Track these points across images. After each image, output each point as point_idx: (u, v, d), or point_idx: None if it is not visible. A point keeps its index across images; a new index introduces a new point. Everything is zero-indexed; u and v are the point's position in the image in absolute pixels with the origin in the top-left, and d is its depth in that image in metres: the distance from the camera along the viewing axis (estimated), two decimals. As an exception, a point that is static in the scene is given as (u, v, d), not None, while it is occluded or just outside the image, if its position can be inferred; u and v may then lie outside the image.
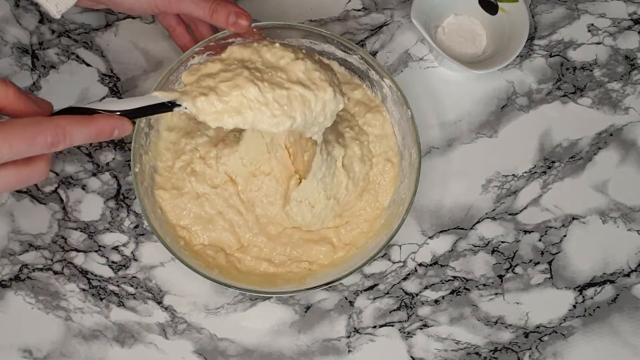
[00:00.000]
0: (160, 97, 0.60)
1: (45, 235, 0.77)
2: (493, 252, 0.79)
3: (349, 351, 0.75)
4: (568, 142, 0.83)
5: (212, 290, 0.76)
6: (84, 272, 0.76)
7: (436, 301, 0.77)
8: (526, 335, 0.76)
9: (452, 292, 0.77)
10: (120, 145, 0.81)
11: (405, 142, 0.75)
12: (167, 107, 0.60)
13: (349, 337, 0.76)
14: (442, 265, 0.78)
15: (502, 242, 0.79)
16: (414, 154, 0.73)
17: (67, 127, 0.54)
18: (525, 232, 0.79)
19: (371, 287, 0.77)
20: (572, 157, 0.82)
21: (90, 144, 0.80)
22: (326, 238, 0.75)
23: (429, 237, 0.79)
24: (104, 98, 0.82)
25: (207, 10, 0.72)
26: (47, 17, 0.85)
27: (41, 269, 0.76)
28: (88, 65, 0.83)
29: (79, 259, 0.77)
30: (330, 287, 0.77)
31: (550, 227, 0.80)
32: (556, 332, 0.76)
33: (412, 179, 0.72)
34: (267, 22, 0.76)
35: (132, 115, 0.58)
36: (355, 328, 0.76)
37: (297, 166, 0.73)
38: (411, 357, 0.75)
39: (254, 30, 0.75)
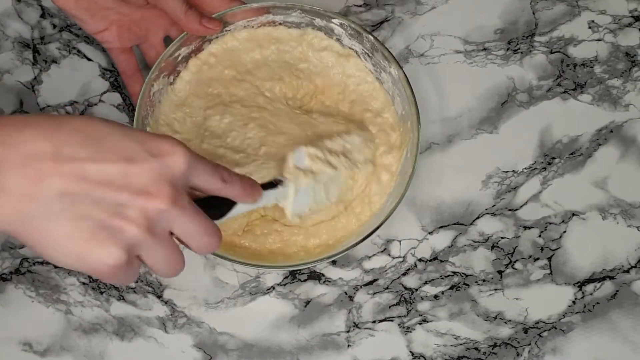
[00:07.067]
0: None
1: (45, 229, 0.78)
2: (493, 247, 0.79)
3: (349, 346, 0.75)
4: (568, 139, 0.83)
5: (212, 285, 0.77)
6: (84, 266, 0.76)
7: (436, 296, 0.77)
8: (525, 330, 0.76)
9: (451, 288, 0.77)
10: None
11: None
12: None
13: (348, 331, 0.76)
14: (441, 261, 0.78)
15: (502, 237, 0.79)
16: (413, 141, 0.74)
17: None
18: (525, 228, 0.79)
19: (371, 282, 0.77)
20: (572, 154, 0.82)
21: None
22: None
23: (429, 233, 0.79)
24: (104, 93, 0.82)
25: (181, 7, 0.74)
26: (49, 12, 0.85)
27: (41, 263, 0.76)
28: (89, 60, 0.84)
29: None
30: (330, 281, 0.77)
31: (550, 223, 0.80)
32: (555, 328, 0.76)
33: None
34: (271, 2, 0.78)
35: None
36: (354, 323, 0.76)
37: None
38: (410, 352, 0.75)
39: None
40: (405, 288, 0.77)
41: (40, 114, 0.50)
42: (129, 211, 0.50)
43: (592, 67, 0.85)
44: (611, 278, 0.78)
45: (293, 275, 0.77)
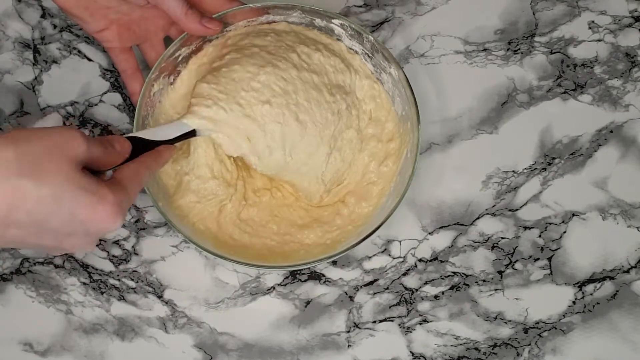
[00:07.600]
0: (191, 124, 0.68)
1: (46, 229, 0.78)
2: (493, 248, 0.79)
3: (349, 346, 0.75)
4: (568, 139, 0.83)
5: (212, 285, 0.77)
6: (84, 266, 0.77)
7: (436, 297, 0.77)
8: (525, 331, 0.76)
9: (451, 288, 0.77)
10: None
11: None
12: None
13: (348, 332, 0.76)
14: (442, 261, 0.78)
15: (502, 238, 0.79)
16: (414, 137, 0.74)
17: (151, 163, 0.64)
18: (525, 228, 0.79)
19: (371, 282, 0.77)
20: (572, 154, 0.82)
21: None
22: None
23: (429, 233, 0.79)
24: (105, 93, 0.82)
25: (182, 7, 0.73)
26: (49, 12, 0.85)
27: (42, 263, 0.76)
28: (90, 60, 0.84)
29: (79, 253, 0.77)
30: (330, 282, 0.77)
31: (550, 224, 0.80)
32: (555, 328, 0.76)
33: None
34: (271, 2, 0.78)
35: (173, 142, 0.67)
36: (355, 323, 0.76)
37: None
38: (410, 352, 0.75)
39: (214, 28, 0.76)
40: (406, 288, 0.77)
41: (16, 170, 0.54)
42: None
43: (592, 68, 0.85)
44: (611, 278, 0.78)
45: (293, 276, 0.77)
